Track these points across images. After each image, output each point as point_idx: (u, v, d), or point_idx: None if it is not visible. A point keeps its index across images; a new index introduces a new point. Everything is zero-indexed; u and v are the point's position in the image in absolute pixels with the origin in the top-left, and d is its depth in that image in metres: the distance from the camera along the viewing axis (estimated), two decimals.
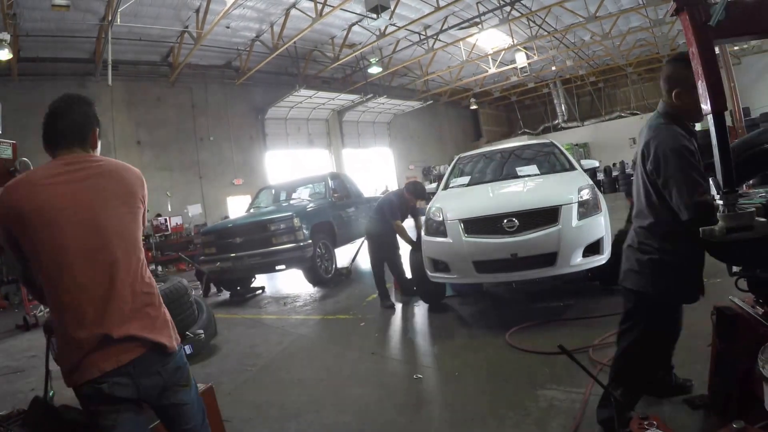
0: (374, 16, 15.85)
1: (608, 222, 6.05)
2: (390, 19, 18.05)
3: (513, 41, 24.56)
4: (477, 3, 20.38)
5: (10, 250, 2.15)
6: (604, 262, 5.89)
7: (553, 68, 32.40)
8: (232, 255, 10.07)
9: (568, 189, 6.13)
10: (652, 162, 2.86)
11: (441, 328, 6.52)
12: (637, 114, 36.04)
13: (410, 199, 8.01)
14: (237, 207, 21.32)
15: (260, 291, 11.03)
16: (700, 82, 2.34)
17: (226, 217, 19.90)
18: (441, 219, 6.32)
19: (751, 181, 3.41)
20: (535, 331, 5.50)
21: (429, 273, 6.61)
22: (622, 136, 35.01)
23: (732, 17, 2.28)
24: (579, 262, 5.69)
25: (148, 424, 2.42)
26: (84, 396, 2.13)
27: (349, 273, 11.00)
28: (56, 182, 2.13)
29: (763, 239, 2.34)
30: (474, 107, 37.42)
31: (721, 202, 2.38)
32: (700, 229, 2.44)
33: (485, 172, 8.13)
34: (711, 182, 2.65)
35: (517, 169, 7.63)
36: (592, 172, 7.71)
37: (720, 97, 2.30)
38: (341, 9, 17.68)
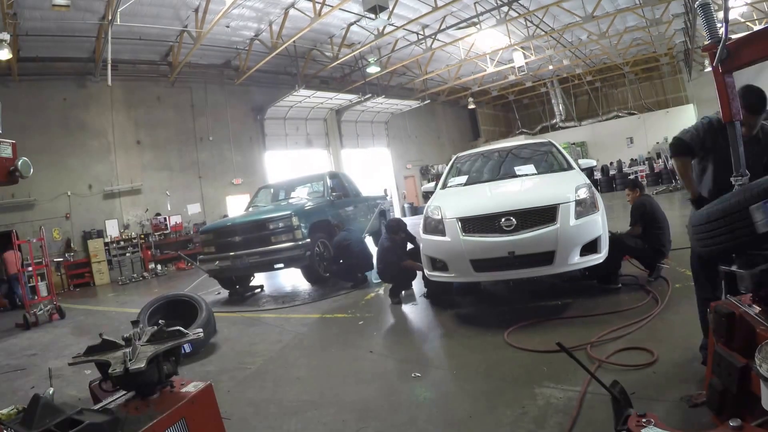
0: (372, 15, 15.86)
1: (605, 221, 6.10)
2: (388, 18, 18.04)
3: (510, 41, 24.59)
4: (475, 3, 20.42)
5: None
6: (601, 260, 5.93)
7: (551, 67, 32.46)
8: (231, 254, 10.08)
9: (565, 188, 6.16)
10: None
11: (439, 327, 6.56)
12: (635, 114, 36.15)
13: (394, 237, 8.14)
14: (236, 206, 21.36)
15: (259, 289, 11.06)
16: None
17: (225, 215, 19.95)
18: (439, 218, 6.35)
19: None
20: (533, 330, 5.53)
21: (427, 271, 6.66)
22: (620, 135, 35.18)
23: (732, 54, 2.90)
24: (576, 260, 5.73)
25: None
26: None
27: None
28: None
29: None
30: (472, 107, 37.45)
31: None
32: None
33: (483, 172, 8.16)
34: None
35: (515, 168, 7.66)
36: (589, 172, 7.75)
37: (725, 110, 3.05)
38: (340, 9, 17.70)
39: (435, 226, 6.38)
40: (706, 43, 3.04)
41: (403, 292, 8.11)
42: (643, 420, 2.21)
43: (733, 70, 2.98)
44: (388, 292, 8.24)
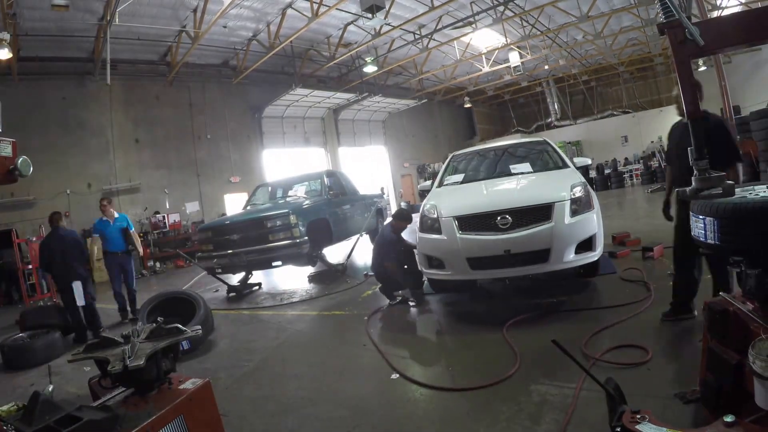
0: (369, 15, 15.87)
1: (600, 219, 6.13)
2: (385, 18, 18.07)
3: (506, 40, 24.66)
4: (471, 3, 20.43)
5: None
6: (596, 258, 5.97)
7: (546, 67, 32.52)
8: (229, 252, 10.11)
9: (560, 186, 6.19)
10: None
11: (435, 325, 6.59)
12: (629, 112, 36.23)
13: (400, 224, 8.00)
14: (234, 204, 21.36)
15: (257, 287, 11.07)
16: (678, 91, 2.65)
17: (224, 214, 19.97)
18: (435, 216, 6.38)
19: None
20: (529, 327, 5.55)
21: (423, 269, 6.69)
22: (615, 134, 35.29)
23: (707, 36, 2.60)
24: (572, 258, 5.76)
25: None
26: None
27: (345, 269, 11.03)
28: None
29: None
30: (468, 106, 37.52)
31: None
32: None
33: (479, 170, 8.19)
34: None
35: (511, 166, 7.70)
36: (584, 170, 7.78)
37: (691, 105, 2.68)
38: (337, 9, 17.69)
39: (431, 225, 6.41)
40: (663, 20, 2.76)
41: (400, 291, 7.97)
42: (638, 416, 2.24)
43: (704, 54, 2.79)
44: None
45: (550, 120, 39.56)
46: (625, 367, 4.15)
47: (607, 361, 4.30)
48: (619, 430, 2.26)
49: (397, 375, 4.82)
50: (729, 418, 2.02)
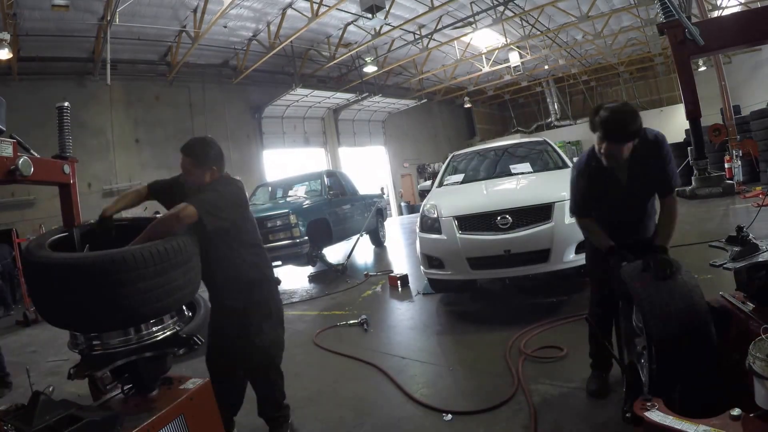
0: (369, 15, 15.89)
1: None
2: (385, 18, 18.09)
3: (506, 40, 24.64)
4: (471, 3, 20.42)
5: None
6: None
7: (546, 67, 32.47)
8: None
9: (560, 186, 6.18)
10: None
11: (436, 325, 6.58)
12: None
13: None
14: None
15: None
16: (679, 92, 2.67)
17: None
18: (435, 216, 6.39)
19: None
20: (528, 326, 5.54)
21: (423, 269, 6.70)
22: None
23: (706, 35, 2.59)
24: (572, 258, 5.76)
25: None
26: None
27: (345, 269, 11.04)
28: None
29: None
30: (468, 106, 37.43)
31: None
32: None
33: (479, 170, 8.21)
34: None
35: (511, 166, 7.72)
36: None
37: (691, 105, 2.51)
38: (337, 9, 17.68)
39: (431, 225, 6.42)
40: (663, 20, 2.74)
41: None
42: (648, 404, 2.29)
43: (703, 53, 2.80)
44: (382, 290, 8.24)
45: (550, 120, 39.52)
46: (547, 361, 4.52)
47: (535, 356, 4.70)
48: (629, 415, 2.35)
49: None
50: (735, 412, 2.05)
